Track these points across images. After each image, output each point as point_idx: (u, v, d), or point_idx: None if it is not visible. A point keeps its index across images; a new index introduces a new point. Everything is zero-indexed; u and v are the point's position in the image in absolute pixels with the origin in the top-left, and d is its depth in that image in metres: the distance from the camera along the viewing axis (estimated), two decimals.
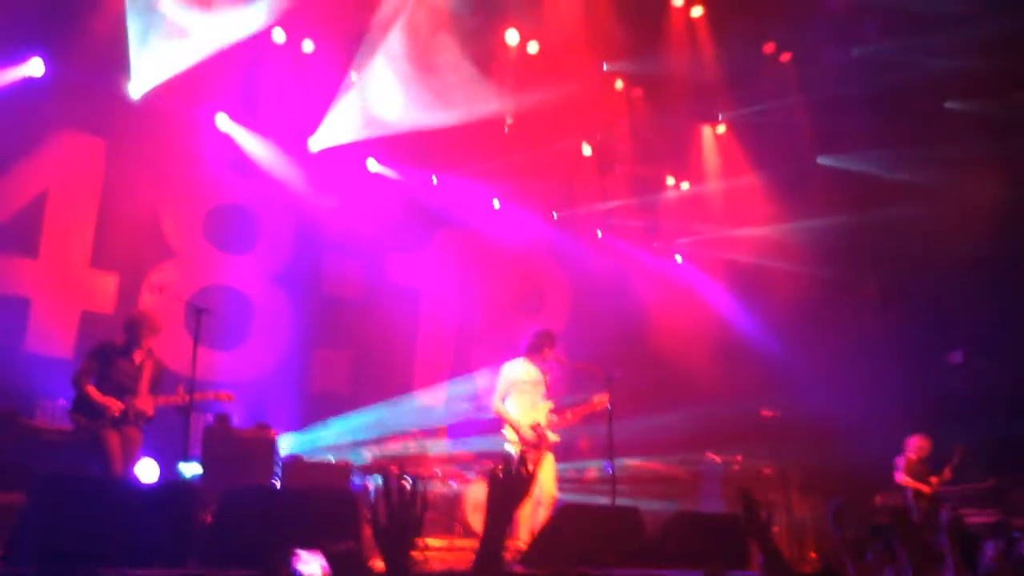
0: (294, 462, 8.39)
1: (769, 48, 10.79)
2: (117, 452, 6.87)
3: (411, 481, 2.49)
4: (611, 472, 7.61)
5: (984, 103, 10.40)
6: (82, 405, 6.85)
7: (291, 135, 10.25)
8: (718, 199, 12.53)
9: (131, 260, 9.24)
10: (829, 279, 11.99)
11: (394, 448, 9.18)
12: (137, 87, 9.19)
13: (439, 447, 9.45)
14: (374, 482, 8.17)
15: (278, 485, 7.88)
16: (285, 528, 4.67)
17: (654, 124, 11.59)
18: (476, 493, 8.63)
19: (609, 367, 7.77)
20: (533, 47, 10.42)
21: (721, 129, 12.10)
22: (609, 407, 7.55)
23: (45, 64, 8.69)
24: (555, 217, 12.72)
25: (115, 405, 6.88)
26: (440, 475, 8.85)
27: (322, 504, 5.33)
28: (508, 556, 5.75)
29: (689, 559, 5.89)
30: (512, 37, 10.29)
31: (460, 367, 11.19)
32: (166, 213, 9.58)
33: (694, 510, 8.95)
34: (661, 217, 13.12)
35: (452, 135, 10.89)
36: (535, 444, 7.41)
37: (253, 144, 10.03)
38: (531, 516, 7.03)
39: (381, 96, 10.12)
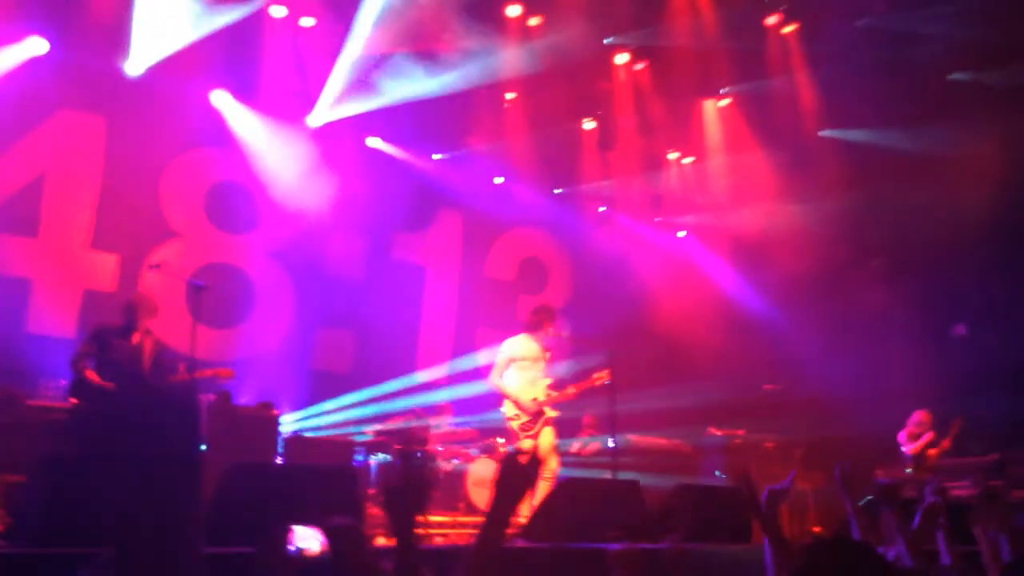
0: (296, 439, 8.41)
1: (773, 20, 10.67)
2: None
3: (420, 454, 2.49)
4: (613, 446, 7.62)
5: (991, 74, 10.29)
6: (80, 388, 6.87)
7: (292, 111, 10.19)
8: (721, 174, 12.45)
9: (132, 239, 9.24)
10: (832, 254, 11.92)
11: (397, 426, 9.20)
12: (136, 65, 9.14)
13: (442, 424, 9.47)
14: (381, 457, 8.19)
15: (280, 462, 7.90)
16: (287, 505, 4.69)
17: (657, 99, 11.50)
18: (479, 470, 8.65)
19: (611, 342, 7.75)
20: (534, 21, 10.32)
21: (725, 103, 12.00)
22: (610, 382, 7.54)
23: (46, 43, 8.64)
24: (557, 193, 12.66)
25: (112, 388, 6.89)
26: (443, 452, 8.88)
27: (324, 480, 5.34)
28: (508, 531, 5.77)
29: (691, 532, 5.91)
30: (513, 10, 10.20)
31: (463, 346, 11.19)
32: (167, 192, 9.56)
33: (696, 483, 8.96)
34: (664, 193, 13.06)
35: (453, 112, 10.84)
36: (534, 419, 7.42)
37: (253, 121, 9.98)
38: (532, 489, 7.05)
39: (380, 70, 10.05)
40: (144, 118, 9.25)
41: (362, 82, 10.13)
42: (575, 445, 10.02)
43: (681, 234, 13.54)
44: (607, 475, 7.70)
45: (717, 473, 10.02)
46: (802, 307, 11.81)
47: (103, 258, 9.10)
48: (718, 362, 11.45)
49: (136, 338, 7.14)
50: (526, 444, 7.37)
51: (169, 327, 7.69)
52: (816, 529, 9.15)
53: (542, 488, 6.96)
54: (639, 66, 11.29)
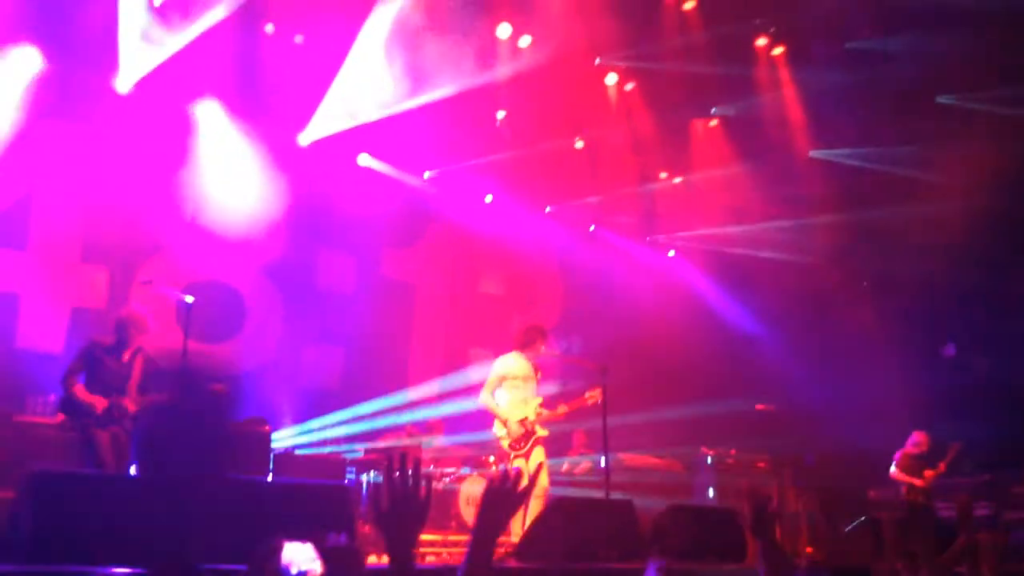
0: (287, 456, 8.35)
1: (763, 42, 10.76)
2: (107, 450, 6.82)
3: (414, 470, 2.45)
4: (604, 465, 7.59)
5: (978, 97, 10.40)
6: (68, 405, 6.81)
7: (283, 128, 10.19)
8: (711, 193, 12.51)
9: (121, 254, 9.18)
10: (823, 273, 11.98)
11: (388, 443, 9.15)
12: (126, 79, 9.12)
13: (434, 442, 9.43)
14: (374, 474, 8.13)
15: (270, 479, 7.83)
16: (277, 522, 4.64)
17: (647, 118, 11.56)
18: (470, 488, 8.61)
19: (602, 361, 7.73)
20: (525, 41, 10.37)
21: (714, 123, 12.07)
22: (601, 401, 7.51)
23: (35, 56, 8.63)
24: (548, 212, 12.68)
25: (100, 403, 6.83)
26: (434, 470, 8.83)
27: (315, 498, 5.31)
28: (499, 552, 5.73)
29: (685, 552, 5.89)
30: (504, 31, 10.25)
31: (453, 363, 11.15)
32: (157, 206, 9.51)
33: (689, 503, 8.94)
34: (654, 211, 13.10)
35: (444, 130, 10.86)
36: (524, 438, 7.38)
37: (244, 136, 9.96)
38: (523, 509, 7.00)
39: (372, 87, 10.06)
40: (134, 132, 9.21)
41: (353, 100, 10.14)
42: (566, 464, 9.99)
43: (671, 253, 13.58)
44: (599, 494, 7.66)
45: (710, 493, 9.98)
46: (793, 327, 11.85)
47: (93, 273, 9.03)
48: (709, 381, 11.45)
49: (127, 356, 7.08)
50: (516, 463, 7.33)
51: (160, 342, 7.63)
52: (808, 550, 9.13)
53: (534, 507, 6.92)
54: (629, 86, 11.36)
